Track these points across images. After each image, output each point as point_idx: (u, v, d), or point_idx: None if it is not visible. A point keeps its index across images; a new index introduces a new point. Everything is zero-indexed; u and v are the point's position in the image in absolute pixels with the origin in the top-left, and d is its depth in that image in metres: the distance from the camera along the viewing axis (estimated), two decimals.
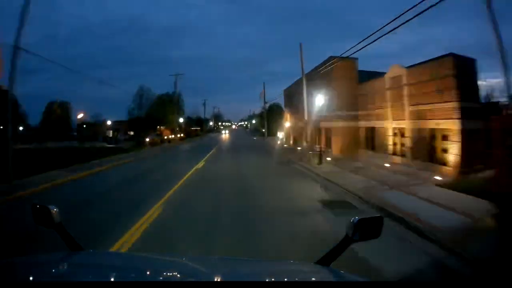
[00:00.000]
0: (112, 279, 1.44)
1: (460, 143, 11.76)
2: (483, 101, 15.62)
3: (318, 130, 24.03)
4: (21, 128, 48.50)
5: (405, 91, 15.15)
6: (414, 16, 8.56)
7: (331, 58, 19.78)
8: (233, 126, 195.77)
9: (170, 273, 1.64)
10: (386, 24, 9.89)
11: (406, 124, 15.22)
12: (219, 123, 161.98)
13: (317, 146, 20.64)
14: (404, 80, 15.27)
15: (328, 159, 17.93)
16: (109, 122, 55.43)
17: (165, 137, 46.52)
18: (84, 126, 55.59)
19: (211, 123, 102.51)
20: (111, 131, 56.55)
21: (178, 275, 1.58)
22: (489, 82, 23.00)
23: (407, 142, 15.26)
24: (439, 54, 13.11)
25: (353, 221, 1.69)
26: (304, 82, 20.68)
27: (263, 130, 58.06)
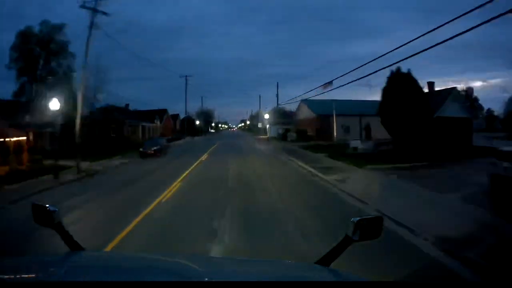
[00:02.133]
0: (112, 279, 1.35)
1: None
2: None
3: None
4: None
5: None
6: None
7: None
8: (231, 129, 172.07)
9: (170, 273, 1.59)
10: None
11: None
12: (211, 124, 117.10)
13: None
14: None
15: None
16: None
17: None
18: None
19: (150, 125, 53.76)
20: None
21: (178, 275, 1.52)
22: None
23: None
24: None
25: (353, 221, 1.66)
26: None
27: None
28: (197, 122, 69.58)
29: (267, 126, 56.91)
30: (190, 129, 67.39)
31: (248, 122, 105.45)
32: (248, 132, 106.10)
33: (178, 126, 77.76)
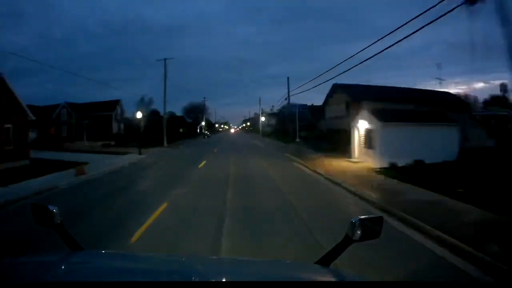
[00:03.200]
0: (112, 279, 1.35)
1: None
2: None
3: None
4: None
5: None
6: None
7: None
8: (232, 130, 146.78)
9: (170, 273, 1.55)
10: None
11: None
12: (199, 125, 79.75)
13: None
14: None
15: None
16: None
17: None
18: None
19: None
20: None
21: (179, 275, 1.51)
22: None
23: None
24: None
25: (353, 221, 1.63)
26: None
27: None
28: (138, 116, 29.36)
29: (360, 129, 17.36)
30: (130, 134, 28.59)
31: (262, 119, 66.10)
32: (256, 135, 66.73)
33: (116, 128, 38.59)
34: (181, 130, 75.64)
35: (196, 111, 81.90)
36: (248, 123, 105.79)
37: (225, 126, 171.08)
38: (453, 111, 19.11)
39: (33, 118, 19.17)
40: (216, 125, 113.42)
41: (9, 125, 17.10)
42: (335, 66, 16.26)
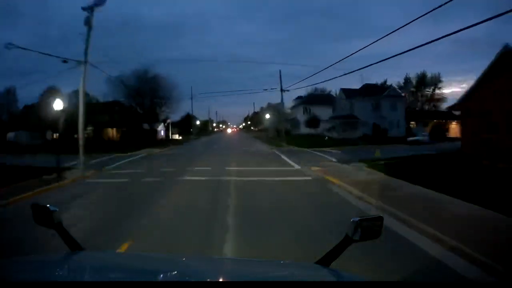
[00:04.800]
0: (112, 279, 1.36)
1: None
2: None
3: None
4: None
5: None
6: None
7: None
8: (228, 130, 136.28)
9: (170, 273, 1.53)
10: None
11: None
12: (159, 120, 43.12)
13: None
14: None
15: None
16: None
17: None
18: None
19: None
20: None
21: (178, 275, 1.48)
22: None
23: None
24: None
25: (353, 221, 1.62)
26: None
27: None
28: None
29: None
30: None
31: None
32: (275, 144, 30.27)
33: None
34: (112, 133, 38.99)
35: (148, 89, 43.81)
36: (268, 115, 57.86)
37: (223, 126, 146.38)
38: None
39: None
40: (198, 122, 78.44)
41: None
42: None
